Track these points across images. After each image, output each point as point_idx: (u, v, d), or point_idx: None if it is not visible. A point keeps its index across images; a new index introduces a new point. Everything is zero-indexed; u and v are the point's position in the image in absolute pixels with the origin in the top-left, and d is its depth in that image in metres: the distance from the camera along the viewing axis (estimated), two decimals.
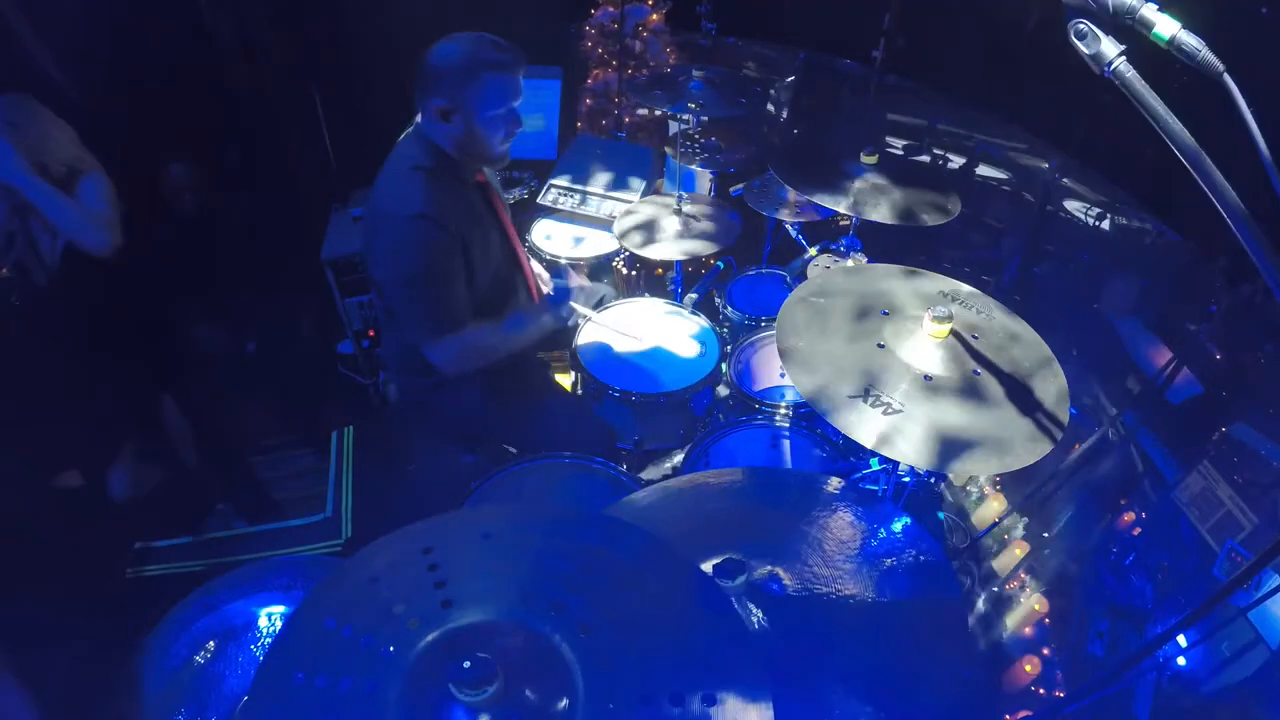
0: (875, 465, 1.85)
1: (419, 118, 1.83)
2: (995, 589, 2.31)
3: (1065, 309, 2.64)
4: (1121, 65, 0.79)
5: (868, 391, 1.35)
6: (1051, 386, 1.40)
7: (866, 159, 2.17)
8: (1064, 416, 1.35)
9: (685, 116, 2.59)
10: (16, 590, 1.74)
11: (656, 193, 3.07)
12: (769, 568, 1.26)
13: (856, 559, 1.31)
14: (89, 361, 2.03)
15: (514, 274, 2.11)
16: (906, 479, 1.74)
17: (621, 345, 2.26)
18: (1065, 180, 2.67)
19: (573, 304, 2.01)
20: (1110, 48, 0.79)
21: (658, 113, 3.34)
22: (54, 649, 1.68)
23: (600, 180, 3.03)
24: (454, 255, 1.80)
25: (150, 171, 2.81)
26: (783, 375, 2.32)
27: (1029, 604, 2.23)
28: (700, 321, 2.37)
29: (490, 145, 1.84)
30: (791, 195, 2.66)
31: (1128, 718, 1.78)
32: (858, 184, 2.15)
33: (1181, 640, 1.71)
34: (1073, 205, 2.66)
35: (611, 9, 3.48)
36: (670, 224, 2.59)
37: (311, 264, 2.79)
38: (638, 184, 3.01)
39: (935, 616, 1.26)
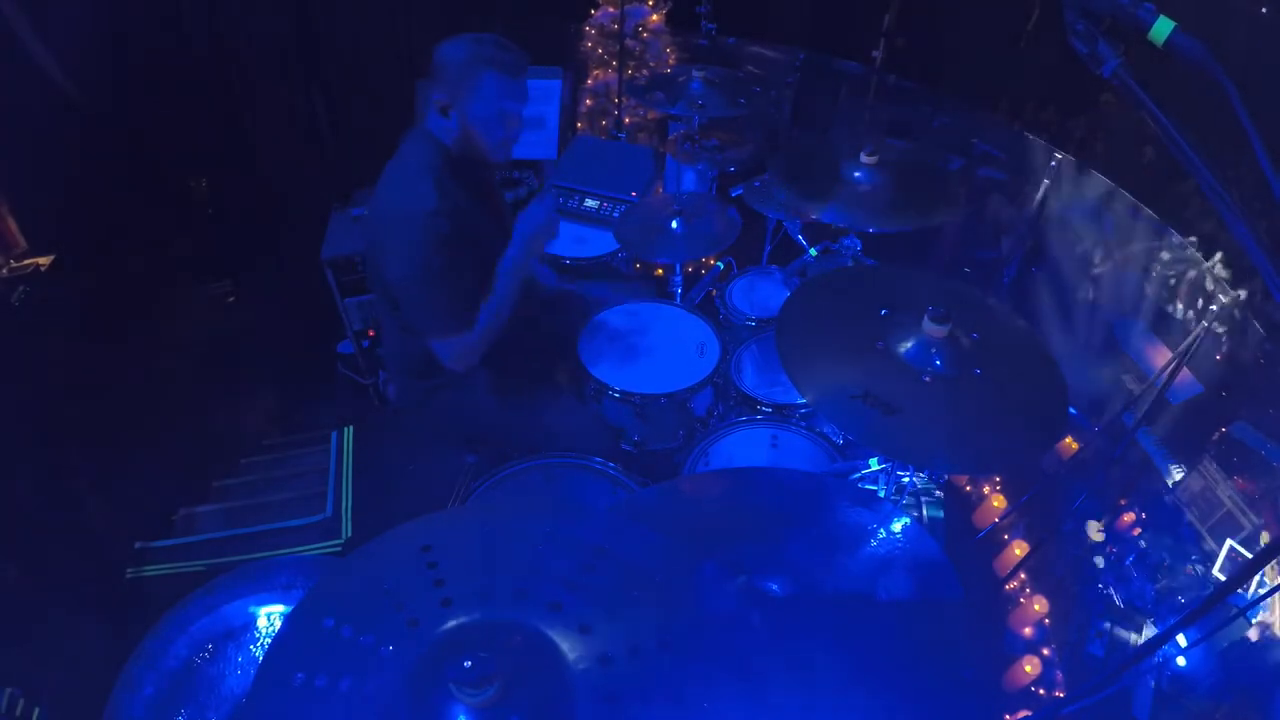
0: (875, 465, 1.85)
1: (425, 115, 1.82)
2: (995, 589, 2.31)
3: (1065, 309, 2.64)
4: (1119, 65, 0.79)
5: (867, 391, 1.35)
6: (1051, 386, 1.40)
7: (866, 159, 2.17)
8: (1064, 416, 1.36)
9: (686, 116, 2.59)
10: (14, 592, 1.74)
11: (655, 193, 3.07)
12: (768, 568, 1.26)
13: (856, 559, 1.31)
14: (86, 361, 2.03)
15: None
16: (906, 479, 1.74)
17: (620, 337, 2.26)
18: (1065, 180, 2.67)
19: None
20: (1108, 48, 0.79)
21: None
22: (51, 652, 1.68)
23: (600, 180, 3.03)
24: (465, 250, 1.79)
25: (148, 172, 2.81)
26: (782, 375, 2.32)
27: (1029, 604, 2.23)
28: (700, 321, 2.37)
29: (486, 145, 1.82)
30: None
31: (1127, 718, 1.78)
32: (858, 185, 2.15)
33: (1181, 640, 1.71)
34: (1073, 205, 2.66)
35: (611, 9, 3.48)
36: (669, 224, 2.59)
37: (311, 264, 2.78)
38: (637, 184, 3.01)
39: (935, 616, 1.26)
